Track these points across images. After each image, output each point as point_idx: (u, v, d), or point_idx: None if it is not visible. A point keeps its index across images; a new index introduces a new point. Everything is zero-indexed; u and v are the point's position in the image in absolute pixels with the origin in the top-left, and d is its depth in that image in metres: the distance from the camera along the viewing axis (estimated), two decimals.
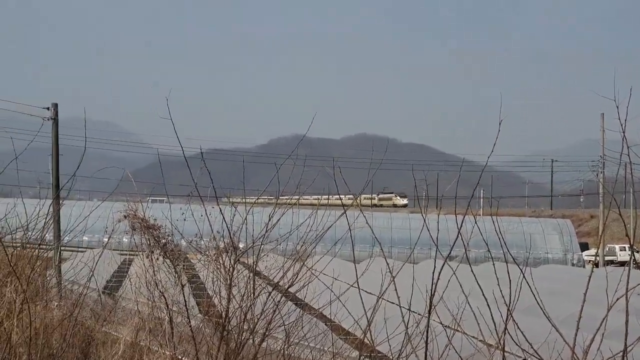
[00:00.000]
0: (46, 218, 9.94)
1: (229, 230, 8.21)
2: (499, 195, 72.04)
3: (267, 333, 8.25)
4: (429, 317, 6.57)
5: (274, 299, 8.39)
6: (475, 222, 6.55)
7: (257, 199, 8.90)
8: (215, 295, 8.47)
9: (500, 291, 6.35)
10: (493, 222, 6.72)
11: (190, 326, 8.37)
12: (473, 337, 7.47)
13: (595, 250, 63.28)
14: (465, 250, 6.40)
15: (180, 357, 8.42)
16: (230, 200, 9.89)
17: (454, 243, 6.39)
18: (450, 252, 6.64)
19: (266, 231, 8.46)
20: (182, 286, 8.65)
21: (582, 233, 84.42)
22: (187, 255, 9.58)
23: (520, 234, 59.26)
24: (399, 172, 72.82)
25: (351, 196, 8.62)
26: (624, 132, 5.96)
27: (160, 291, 8.59)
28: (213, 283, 8.50)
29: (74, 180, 10.23)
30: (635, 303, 6.67)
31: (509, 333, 6.25)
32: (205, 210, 8.43)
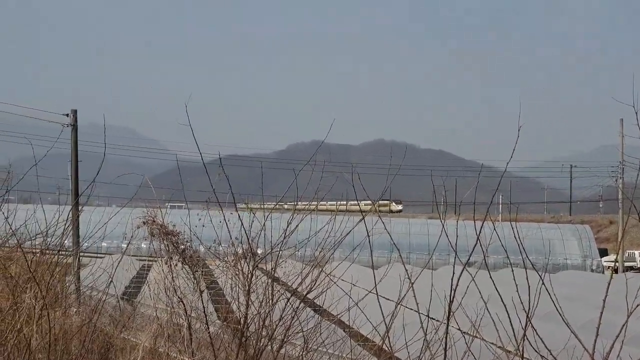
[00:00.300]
0: (65, 224, 9.96)
1: (247, 236, 8.23)
2: (517, 201, 71.71)
3: (285, 339, 8.25)
4: (447, 323, 6.55)
5: (292, 305, 8.39)
6: (494, 228, 6.50)
7: (276, 204, 8.90)
8: (233, 301, 8.48)
9: (519, 297, 6.32)
10: (512, 228, 6.68)
11: (208, 332, 8.38)
12: (492, 343, 7.43)
13: (615, 256, 63.11)
14: (484, 256, 6.40)
15: None
16: (249, 206, 9.90)
17: (473, 249, 6.39)
18: (469, 258, 6.58)
19: (285, 237, 8.47)
20: (201, 292, 8.66)
21: (601, 239, 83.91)
22: (206, 261, 9.57)
23: (539, 240, 58.76)
24: (418, 179, 72.77)
25: (369, 202, 8.61)
26: None
27: (178, 297, 8.60)
28: (232, 289, 8.51)
29: (94, 187, 10.28)
30: None
31: (527, 339, 6.23)
32: (224, 216, 8.45)
